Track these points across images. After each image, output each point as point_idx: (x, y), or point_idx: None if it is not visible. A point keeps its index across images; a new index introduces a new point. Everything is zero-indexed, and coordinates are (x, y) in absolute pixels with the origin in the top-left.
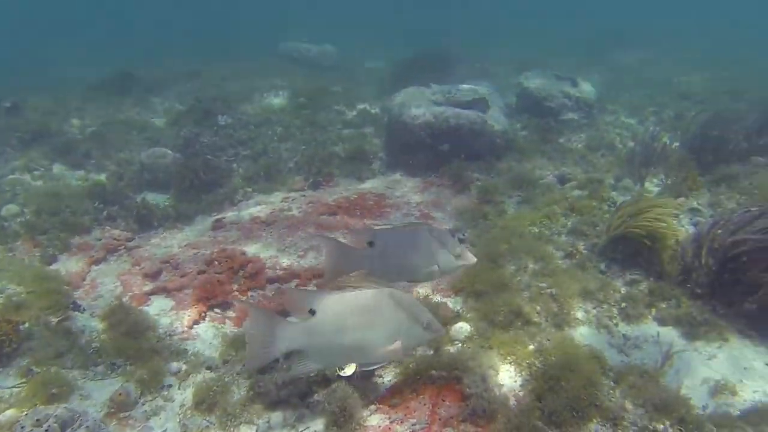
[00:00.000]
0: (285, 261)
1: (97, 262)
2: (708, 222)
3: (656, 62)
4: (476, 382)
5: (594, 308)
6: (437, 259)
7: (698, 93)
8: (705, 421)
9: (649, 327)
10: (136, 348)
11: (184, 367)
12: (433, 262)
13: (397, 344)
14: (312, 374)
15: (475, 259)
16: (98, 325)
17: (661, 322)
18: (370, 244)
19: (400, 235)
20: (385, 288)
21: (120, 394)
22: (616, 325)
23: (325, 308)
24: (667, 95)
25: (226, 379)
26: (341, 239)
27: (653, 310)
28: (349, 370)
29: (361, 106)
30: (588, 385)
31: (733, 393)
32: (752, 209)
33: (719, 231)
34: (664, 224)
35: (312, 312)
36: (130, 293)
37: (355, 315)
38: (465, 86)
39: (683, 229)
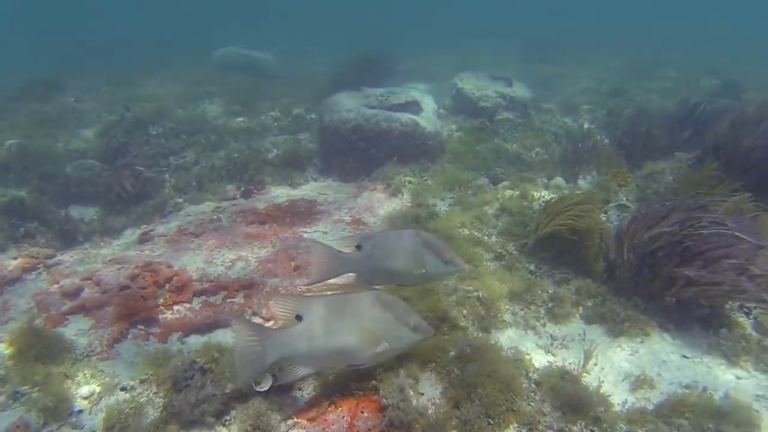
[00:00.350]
0: (212, 272)
1: (10, 282)
2: (628, 217)
3: (593, 63)
4: (393, 393)
5: (522, 310)
6: (425, 263)
7: (629, 91)
8: (618, 419)
9: (576, 326)
10: (45, 374)
11: (97, 389)
12: (421, 267)
13: (384, 345)
14: (301, 379)
15: (467, 266)
16: (4, 351)
17: (588, 320)
18: (358, 247)
19: (388, 239)
20: (372, 291)
21: (18, 427)
22: (544, 325)
23: (312, 313)
24: (601, 94)
25: (141, 400)
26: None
27: (580, 309)
28: (265, 384)
29: (296, 111)
30: (506, 390)
31: (652, 387)
32: (666, 203)
33: (638, 226)
34: (588, 220)
35: (299, 318)
36: (45, 314)
37: (342, 319)
38: (397, 89)
39: (610, 225)
